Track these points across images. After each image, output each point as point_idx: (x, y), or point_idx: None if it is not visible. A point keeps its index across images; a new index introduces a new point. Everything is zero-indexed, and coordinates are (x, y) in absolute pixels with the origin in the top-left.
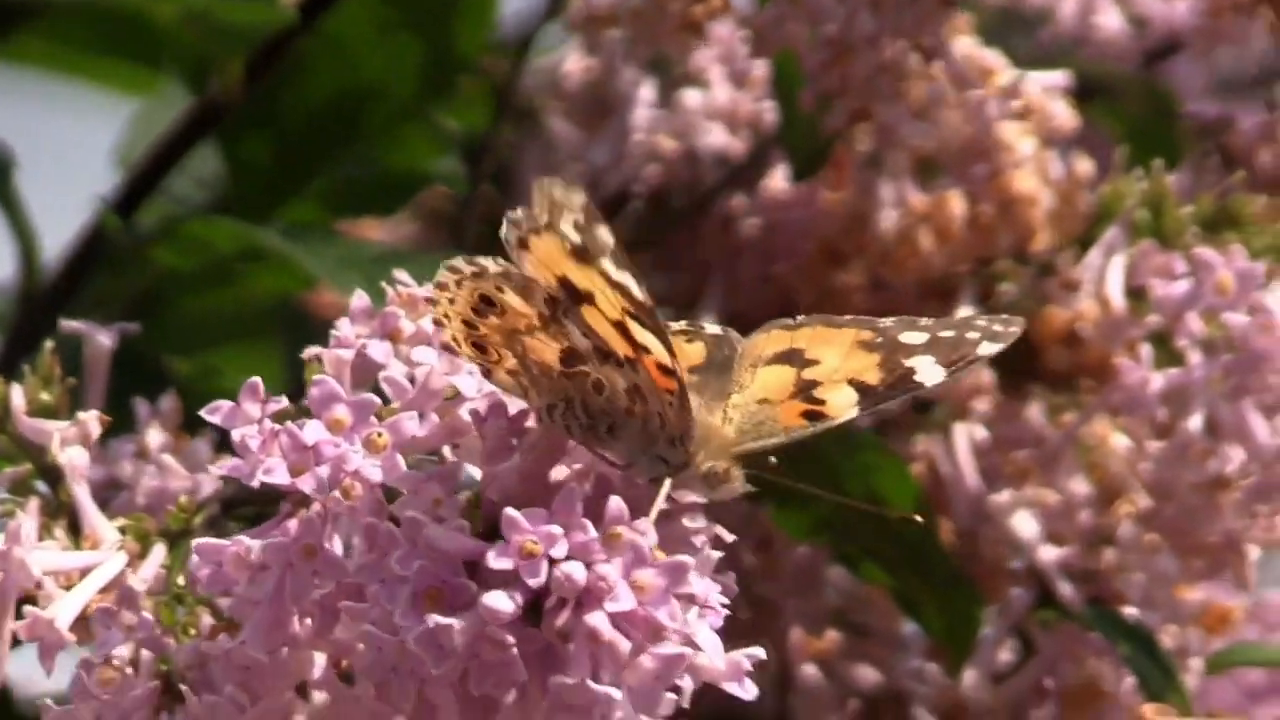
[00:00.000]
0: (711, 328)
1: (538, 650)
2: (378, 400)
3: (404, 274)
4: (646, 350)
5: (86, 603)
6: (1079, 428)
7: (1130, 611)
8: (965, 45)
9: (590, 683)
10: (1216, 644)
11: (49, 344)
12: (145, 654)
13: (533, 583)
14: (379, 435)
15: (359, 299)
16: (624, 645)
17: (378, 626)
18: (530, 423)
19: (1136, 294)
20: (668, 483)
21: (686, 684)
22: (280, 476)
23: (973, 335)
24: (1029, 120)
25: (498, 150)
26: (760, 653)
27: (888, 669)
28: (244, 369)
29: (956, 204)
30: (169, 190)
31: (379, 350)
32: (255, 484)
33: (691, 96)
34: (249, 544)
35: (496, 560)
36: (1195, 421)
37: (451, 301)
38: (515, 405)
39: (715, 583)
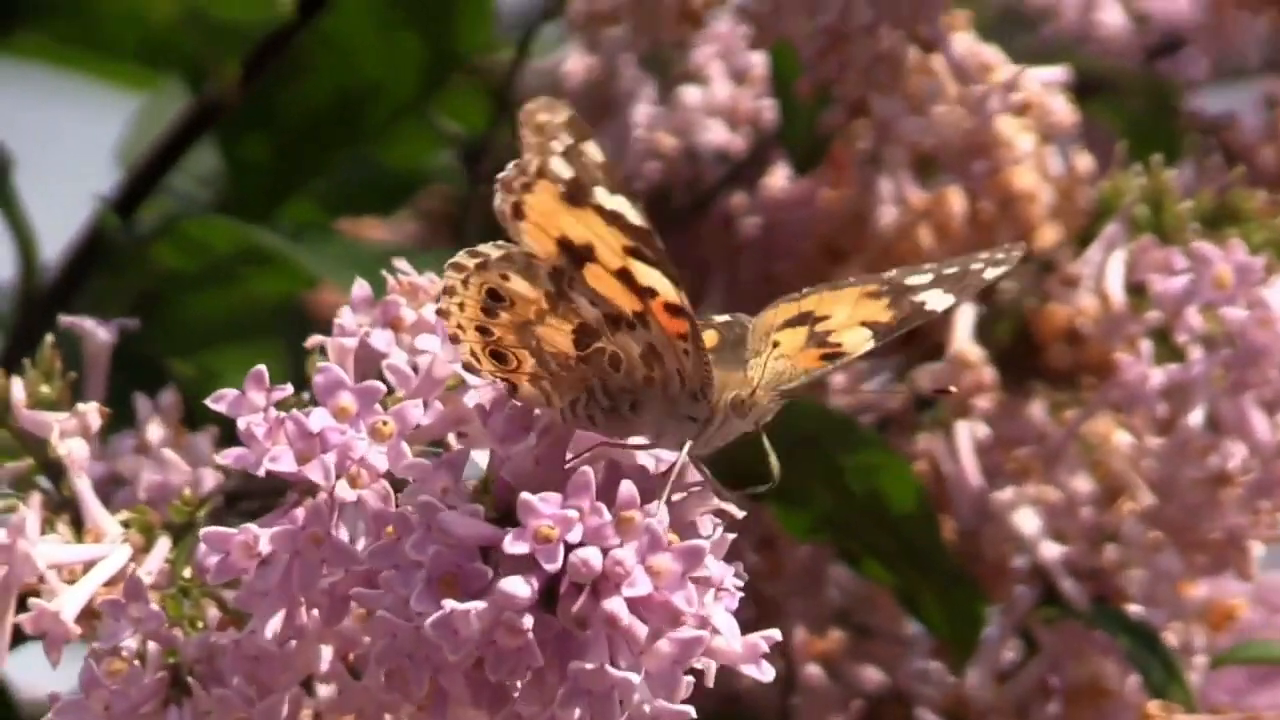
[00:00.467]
0: (719, 316)
1: (554, 636)
2: (383, 387)
3: (404, 263)
4: (653, 293)
5: (91, 596)
6: (1080, 425)
7: (1134, 609)
8: (964, 42)
9: (609, 668)
10: (1220, 640)
11: (49, 338)
12: (152, 646)
13: (549, 568)
14: (384, 423)
15: (360, 288)
16: (641, 630)
17: (391, 612)
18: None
19: (1136, 290)
20: (684, 456)
21: (709, 666)
22: (287, 464)
23: (977, 266)
24: (1028, 116)
25: (497, 150)
26: (777, 634)
27: (891, 669)
28: (244, 369)
29: (956, 201)
30: (169, 188)
31: (381, 339)
32: (261, 472)
33: (691, 94)
34: (257, 532)
35: (513, 545)
36: (1196, 417)
37: (462, 307)
38: None
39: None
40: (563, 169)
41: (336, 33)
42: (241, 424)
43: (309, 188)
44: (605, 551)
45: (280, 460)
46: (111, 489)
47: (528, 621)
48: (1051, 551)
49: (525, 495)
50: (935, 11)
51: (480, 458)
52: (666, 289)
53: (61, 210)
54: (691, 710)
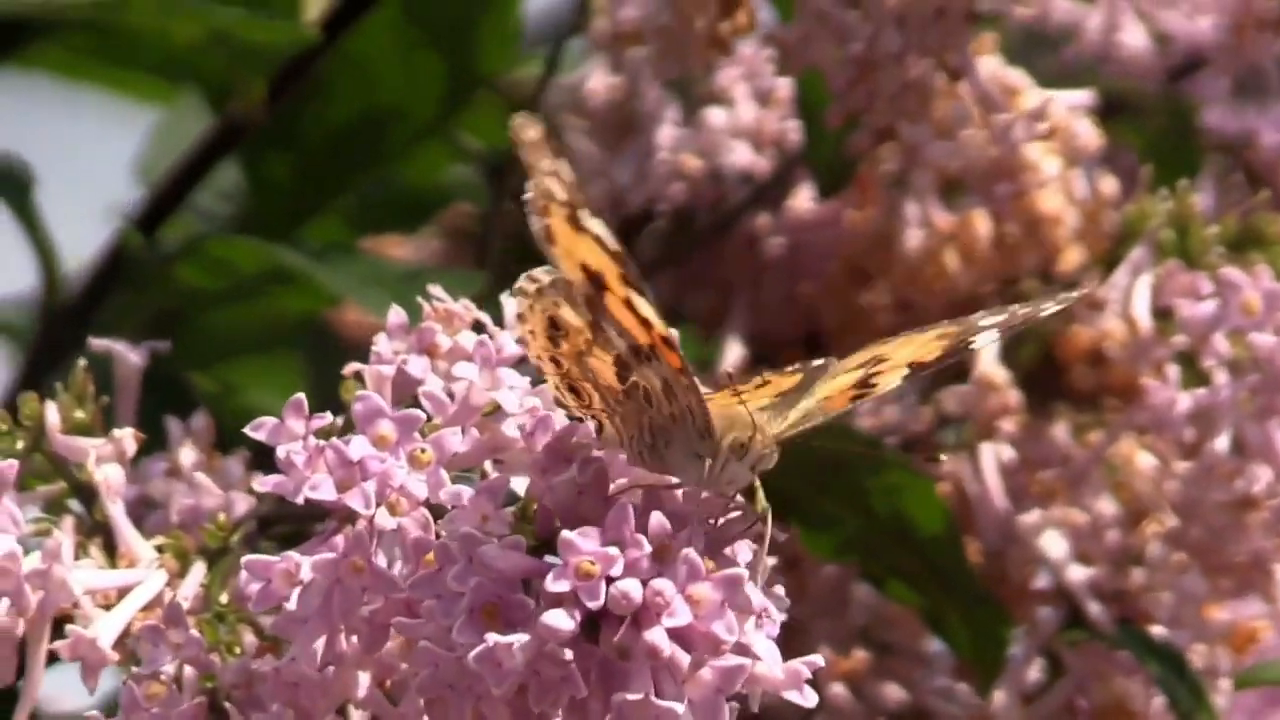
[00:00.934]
0: (819, 361)
1: (596, 664)
2: (423, 415)
3: (439, 289)
4: (650, 325)
5: (128, 621)
6: (1106, 448)
7: (1158, 631)
8: (990, 64)
9: (654, 698)
10: (1241, 662)
11: (82, 362)
12: (189, 671)
13: (592, 605)
14: (422, 451)
15: (395, 315)
16: (683, 659)
17: (434, 642)
18: (580, 437)
19: (1162, 314)
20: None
21: (753, 692)
22: (327, 493)
23: (1046, 305)
24: (1054, 140)
25: (520, 168)
26: (819, 660)
27: (914, 688)
28: (266, 387)
29: (982, 224)
30: (191, 203)
31: (417, 366)
32: (300, 500)
33: (716, 115)
34: (299, 560)
35: (554, 583)
36: (1222, 442)
37: (534, 335)
38: (560, 420)
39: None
40: (559, 190)
41: (359, 53)
42: (281, 452)
43: (331, 207)
44: (644, 583)
45: (321, 488)
46: (142, 512)
47: (569, 652)
48: (1077, 573)
49: (566, 534)
50: (963, 39)
51: (518, 484)
52: (655, 319)
53: (75, 222)
54: None
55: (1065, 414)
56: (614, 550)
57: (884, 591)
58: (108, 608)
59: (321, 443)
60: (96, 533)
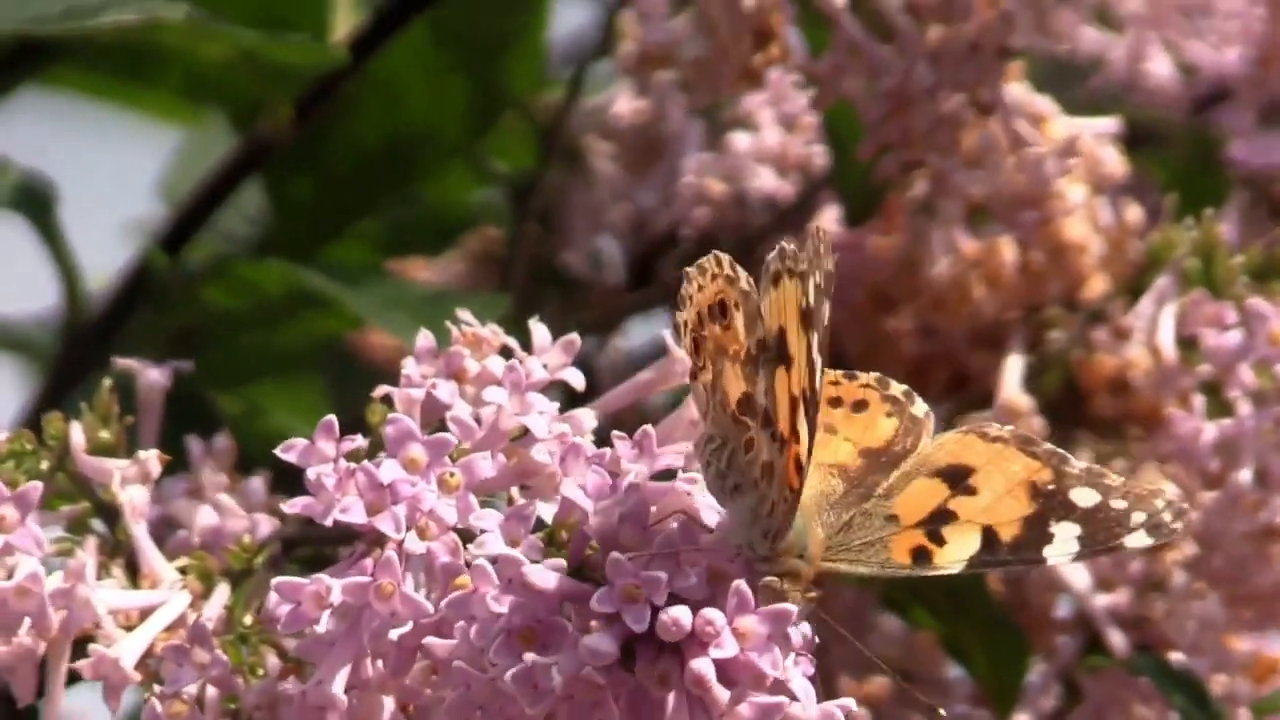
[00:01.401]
0: (918, 407)
1: (627, 693)
2: (453, 440)
3: (467, 314)
4: (798, 438)
5: (150, 642)
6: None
7: (1178, 658)
8: (1017, 92)
9: None
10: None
11: (107, 382)
12: (211, 692)
13: (637, 628)
14: (451, 475)
15: (424, 339)
16: (723, 694)
17: (467, 663)
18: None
19: (1187, 343)
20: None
21: None
22: (357, 516)
23: (1137, 519)
24: (1079, 168)
25: (544, 190)
26: (852, 704)
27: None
28: (288, 408)
29: (1008, 251)
30: (215, 224)
31: (445, 390)
32: (329, 523)
33: (741, 139)
34: (329, 583)
35: (601, 604)
36: (1246, 474)
37: (700, 289)
38: (589, 447)
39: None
40: (813, 296)
41: (386, 75)
42: (311, 474)
43: (356, 229)
44: (695, 611)
45: (351, 511)
46: (163, 532)
47: (604, 678)
48: (1098, 601)
49: (615, 555)
50: (996, 75)
51: (545, 510)
52: (804, 443)
53: (96, 243)
54: None
55: (1088, 442)
56: (662, 575)
57: (905, 618)
58: (129, 628)
59: (352, 465)
60: (119, 553)
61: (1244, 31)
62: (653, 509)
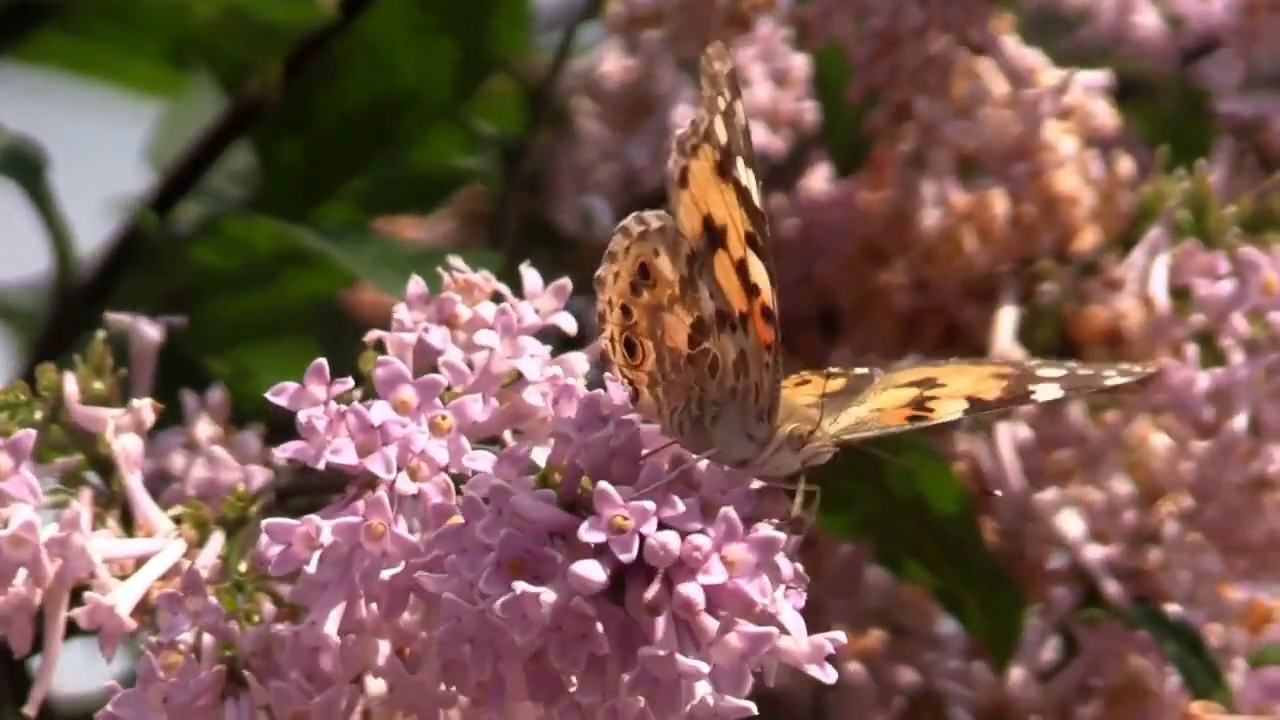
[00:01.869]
0: (861, 370)
1: (617, 626)
2: (444, 381)
3: (459, 260)
4: (757, 292)
5: (146, 590)
6: (1122, 428)
7: (1174, 609)
8: (1008, 44)
9: (679, 655)
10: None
11: (101, 334)
12: (207, 640)
13: (624, 558)
14: (443, 418)
15: (416, 285)
16: (711, 623)
17: (457, 595)
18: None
19: (1179, 294)
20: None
21: (769, 665)
22: (348, 457)
23: (1108, 373)
24: (1070, 120)
25: (533, 152)
26: (842, 637)
27: (925, 669)
28: (279, 369)
29: (999, 203)
30: (204, 185)
31: (437, 336)
32: (321, 465)
33: None
34: (319, 524)
35: (588, 533)
36: (1240, 422)
37: (616, 278)
38: (582, 389)
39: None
40: (721, 132)
41: (374, 35)
42: (302, 417)
43: (345, 189)
44: (683, 536)
45: (342, 453)
46: (158, 486)
47: (593, 609)
48: (1094, 553)
49: (603, 485)
50: (985, 15)
51: (538, 454)
52: (766, 290)
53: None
54: (753, 706)
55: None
56: (649, 504)
57: (900, 573)
58: (124, 578)
59: (342, 407)
60: (113, 505)
61: None
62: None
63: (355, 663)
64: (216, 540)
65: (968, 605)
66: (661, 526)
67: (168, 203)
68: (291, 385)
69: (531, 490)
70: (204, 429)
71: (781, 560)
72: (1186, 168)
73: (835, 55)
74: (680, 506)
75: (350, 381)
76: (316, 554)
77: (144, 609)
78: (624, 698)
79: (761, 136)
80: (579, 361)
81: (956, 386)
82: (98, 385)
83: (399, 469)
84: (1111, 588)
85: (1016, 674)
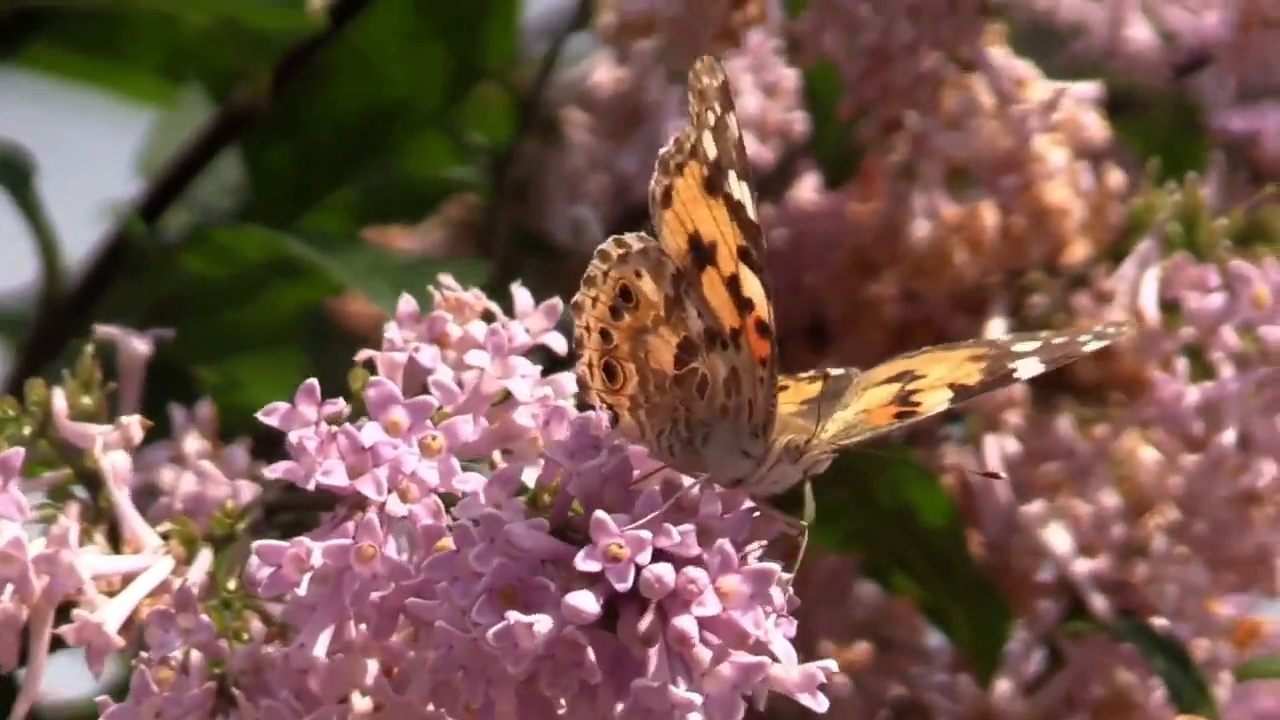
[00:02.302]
0: (837, 370)
1: (609, 653)
2: (434, 402)
3: (449, 278)
4: (750, 306)
5: (134, 607)
6: (1110, 441)
7: (1160, 623)
8: (998, 56)
9: (672, 687)
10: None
11: (89, 348)
12: (196, 657)
13: (620, 587)
14: (433, 439)
15: (406, 303)
16: (705, 653)
17: (449, 623)
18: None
19: (1169, 307)
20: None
21: (759, 693)
22: (338, 478)
23: (1084, 338)
24: (1061, 132)
25: (523, 161)
26: (833, 665)
27: (911, 681)
28: (267, 378)
29: (989, 215)
30: (193, 196)
31: (428, 355)
32: (311, 486)
33: None
34: (310, 545)
35: (584, 562)
36: (1229, 436)
37: (594, 303)
38: (572, 411)
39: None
40: (709, 147)
41: (364, 43)
42: (293, 438)
43: (333, 198)
44: (679, 568)
45: (333, 474)
46: (145, 501)
47: (586, 638)
48: (1080, 565)
49: (599, 514)
50: (976, 32)
51: (527, 475)
52: (761, 303)
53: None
54: None
55: (1070, 407)
56: (645, 534)
57: (887, 584)
58: (112, 594)
59: (334, 429)
60: (101, 520)
61: None
62: (635, 472)
63: (343, 682)
64: (205, 557)
65: (954, 618)
66: (657, 554)
67: (156, 211)
68: (282, 405)
69: (523, 515)
70: (192, 443)
71: (774, 590)
72: (1178, 181)
73: (824, 66)
74: (675, 536)
75: (341, 403)
76: (307, 576)
77: (131, 625)
78: None
79: (750, 147)
80: (569, 382)
81: (937, 375)
82: (86, 400)
83: (389, 490)
84: (1098, 601)
85: (1002, 686)
